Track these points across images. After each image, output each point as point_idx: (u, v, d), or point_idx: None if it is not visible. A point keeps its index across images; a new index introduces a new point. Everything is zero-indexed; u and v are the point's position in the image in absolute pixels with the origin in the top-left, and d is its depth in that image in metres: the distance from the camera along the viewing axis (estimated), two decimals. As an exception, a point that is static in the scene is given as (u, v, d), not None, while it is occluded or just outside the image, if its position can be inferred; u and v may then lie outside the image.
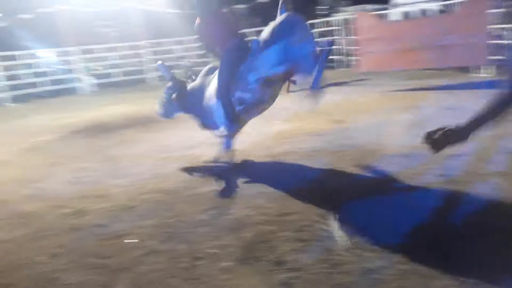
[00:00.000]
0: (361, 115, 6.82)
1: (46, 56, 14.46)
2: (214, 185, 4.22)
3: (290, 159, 4.87)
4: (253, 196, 3.85)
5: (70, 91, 14.59)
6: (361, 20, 10.51)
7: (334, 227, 3.05)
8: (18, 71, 13.57)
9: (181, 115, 5.30)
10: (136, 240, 3.21)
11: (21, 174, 5.33)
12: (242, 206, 3.65)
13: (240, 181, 4.29)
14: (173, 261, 2.82)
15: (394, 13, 14.50)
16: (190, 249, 2.98)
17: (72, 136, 7.54)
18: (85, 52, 15.13)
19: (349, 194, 3.67)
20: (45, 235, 3.47)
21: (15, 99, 13.25)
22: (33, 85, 13.90)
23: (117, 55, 15.82)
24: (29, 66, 13.93)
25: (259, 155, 5.13)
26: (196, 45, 16.96)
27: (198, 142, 5.99)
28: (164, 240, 3.16)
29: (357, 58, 10.80)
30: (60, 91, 14.30)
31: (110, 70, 15.56)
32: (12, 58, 13.64)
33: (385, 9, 14.59)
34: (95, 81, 15.32)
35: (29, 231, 3.58)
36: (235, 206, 3.66)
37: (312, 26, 13.18)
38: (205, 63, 5.44)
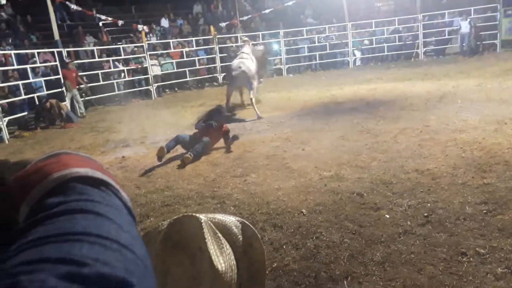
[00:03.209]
0: None
1: (324, 32, 15.67)
2: (487, 178, 3.65)
3: None
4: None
5: (339, 65, 15.52)
6: None
7: None
8: (298, 46, 15.28)
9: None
10: (388, 216, 3.15)
11: (292, 136, 6.07)
12: (524, 208, 3.01)
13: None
14: (431, 248, 2.61)
15: None
16: (451, 241, 2.69)
17: (335, 108, 7.99)
18: (357, 27, 15.63)
19: None
20: (308, 191, 3.86)
21: (291, 71, 15.12)
22: (309, 58, 15.46)
23: (387, 29, 15.61)
24: (309, 41, 15.44)
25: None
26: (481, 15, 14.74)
27: (471, 126, 5.30)
28: (421, 224, 2.97)
29: None
30: (331, 64, 15.41)
31: (378, 45, 15.55)
32: (296, 34, 15.51)
33: None
34: (361, 55, 15.69)
35: (296, 184, 4.06)
36: (513, 206, 3.06)
37: None
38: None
